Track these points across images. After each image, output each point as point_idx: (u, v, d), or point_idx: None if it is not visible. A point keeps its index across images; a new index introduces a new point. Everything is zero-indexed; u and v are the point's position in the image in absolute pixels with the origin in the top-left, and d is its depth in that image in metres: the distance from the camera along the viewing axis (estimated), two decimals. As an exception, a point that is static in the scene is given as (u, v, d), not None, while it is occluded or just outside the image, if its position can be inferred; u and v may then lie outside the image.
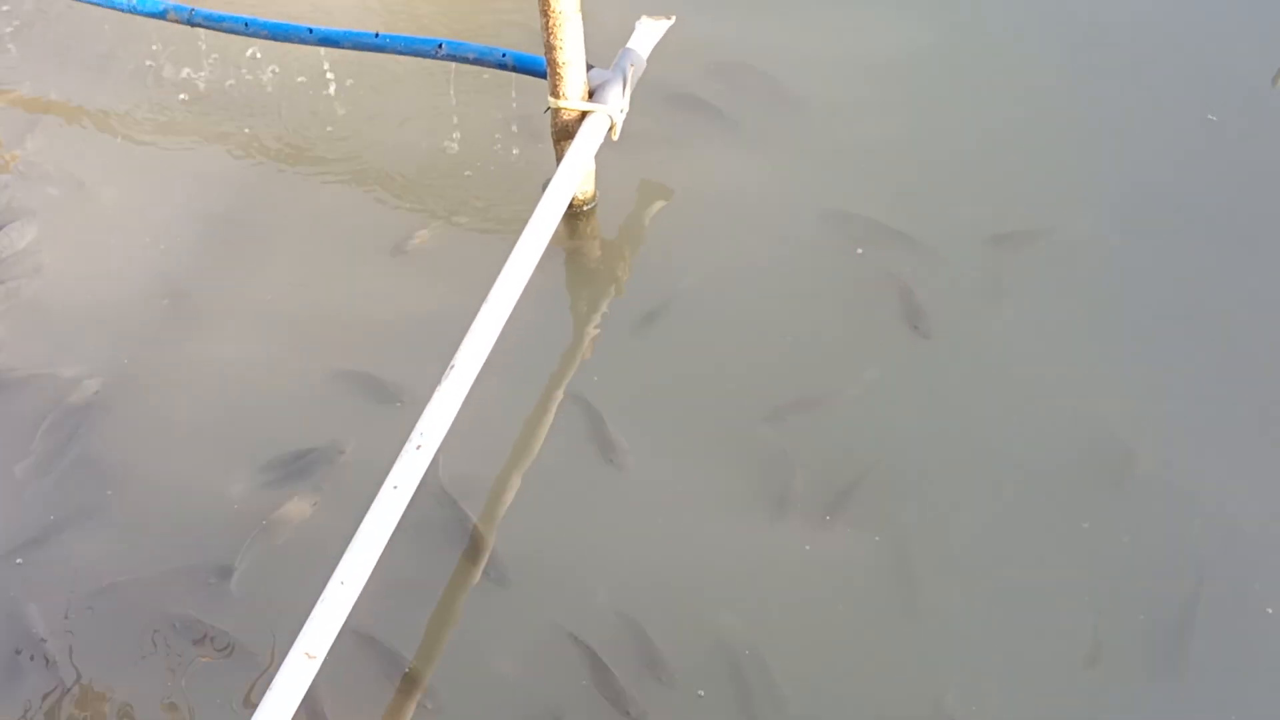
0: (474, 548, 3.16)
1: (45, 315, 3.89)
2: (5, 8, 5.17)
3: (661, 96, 4.31)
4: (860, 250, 3.89)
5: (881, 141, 4.29)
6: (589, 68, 3.75)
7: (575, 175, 3.67)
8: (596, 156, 3.88)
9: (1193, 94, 4.44)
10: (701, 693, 2.86)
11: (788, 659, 2.90)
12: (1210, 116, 4.33)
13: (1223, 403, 3.42)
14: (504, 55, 3.92)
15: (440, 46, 3.96)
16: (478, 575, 3.11)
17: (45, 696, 2.91)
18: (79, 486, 3.35)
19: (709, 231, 4.02)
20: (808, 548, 3.12)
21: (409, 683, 2.91)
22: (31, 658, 2.99)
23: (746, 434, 3.39)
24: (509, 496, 3.29)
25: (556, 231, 3.55)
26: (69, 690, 2.91)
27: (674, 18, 4.13)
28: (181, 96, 4.69)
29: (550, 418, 3.49)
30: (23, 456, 3.41)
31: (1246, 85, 4.49)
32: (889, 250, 3.88)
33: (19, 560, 3.19)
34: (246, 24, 4.24)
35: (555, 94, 3.74)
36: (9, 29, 5.12)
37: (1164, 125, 4.34)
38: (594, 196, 4.10)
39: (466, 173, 4.28)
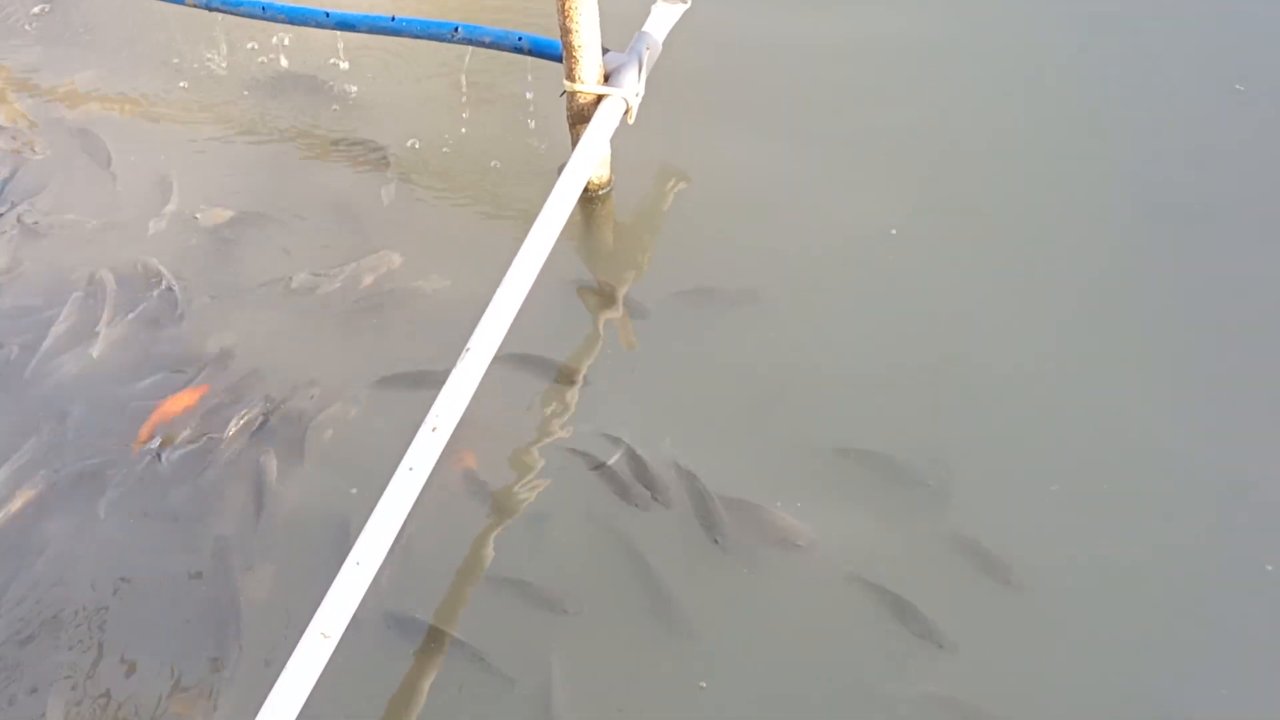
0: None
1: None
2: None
3: (677, 80, 4.30)
4: (894, 231, 3.88)
5: (897, 128, 4.28)
6: (604, 51, 3.75)
7: (591, 159, 3.67)
8: (612, 141, 3.88)
9: (1220, 62, 4.39)
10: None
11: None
12: (1238, 86, 4.29)
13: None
14: (520, 39, 3.92)
15: (456, 30, 3.97)
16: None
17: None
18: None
19: (726, 216, 4.02)
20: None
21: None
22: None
23: (759, 418, 3.40)
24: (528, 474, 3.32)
25: (572, 216, 3.56)
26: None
27: (690, 2, 4.12)
28: (196, 78, 4.73)
29: (573, 403, 3.50)
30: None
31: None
32: (914, 233, 3.88)
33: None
34: (264, 8, 4.25)
35: (571, 78, 3.74)
36: (34, 18, 5.17)
37: (1189, 94, 4.30)
38: (609, 181, 4.10)
39: (481, 157, 4.29)
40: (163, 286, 3.84)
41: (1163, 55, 4.49)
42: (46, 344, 3.69)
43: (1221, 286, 3.64)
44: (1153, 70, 4.43)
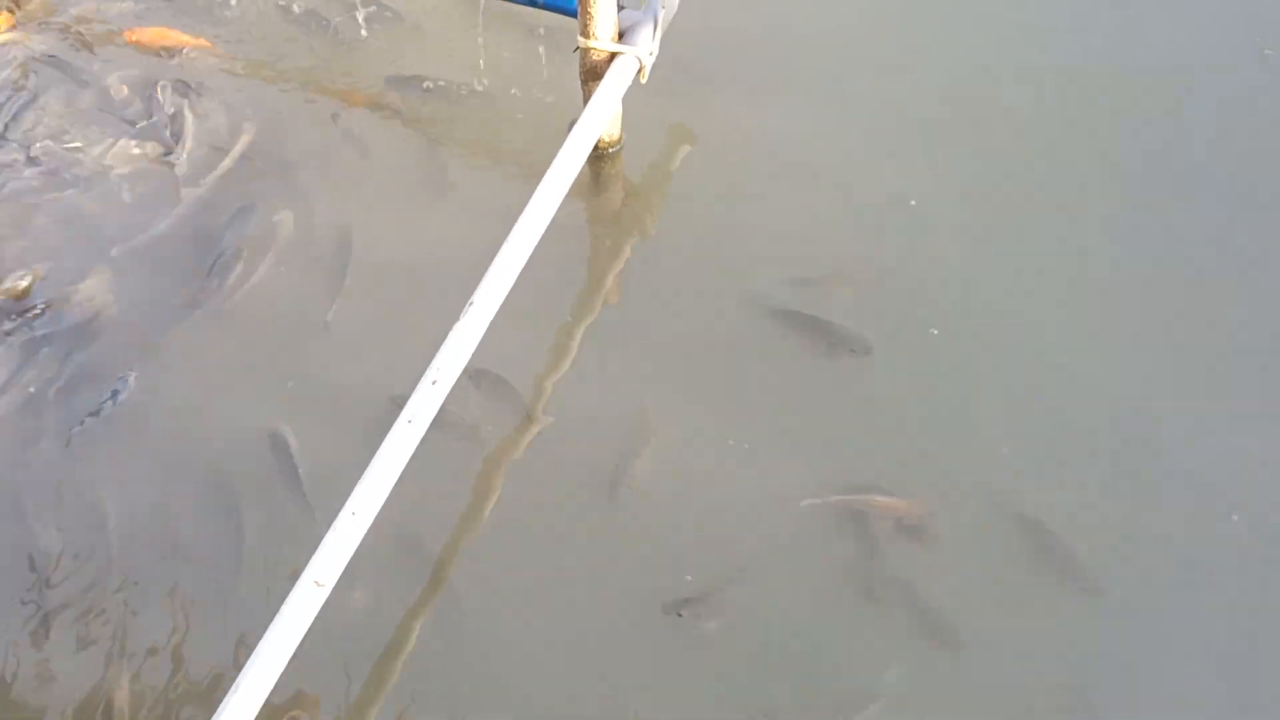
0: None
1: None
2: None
3: (692, 41, 4.24)
4: (913, 201, 3.85)
5: (919, 95, 4.23)
6: (620, 8, 3.69)
7: (602, 117, 3.63)
8: (624, 99, 3.83)
9: (1248, 25, 4.32)
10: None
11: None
12: (1267, 51, 4.21)
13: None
14: (535, -7, 3.87)
15: (470, -19, 3.91)
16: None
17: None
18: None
19: (738, 180, 3.98)
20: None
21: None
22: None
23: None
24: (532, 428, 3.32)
25: (581, 174, 3.52)
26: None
27: (708, -39, 4.06)
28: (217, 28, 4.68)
29: (569, 359, 3.48)
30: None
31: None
32: (921, 189, 3.86)
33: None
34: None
35: (585, 34, 3.69)
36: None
37: (1217, 60, 4.22)
38: (620, 140, 4.06)
39: (492, 112, 4.24)
40: None
41: (1191, 20, 4.40)
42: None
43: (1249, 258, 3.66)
44: (1181, 35, 4.34)
